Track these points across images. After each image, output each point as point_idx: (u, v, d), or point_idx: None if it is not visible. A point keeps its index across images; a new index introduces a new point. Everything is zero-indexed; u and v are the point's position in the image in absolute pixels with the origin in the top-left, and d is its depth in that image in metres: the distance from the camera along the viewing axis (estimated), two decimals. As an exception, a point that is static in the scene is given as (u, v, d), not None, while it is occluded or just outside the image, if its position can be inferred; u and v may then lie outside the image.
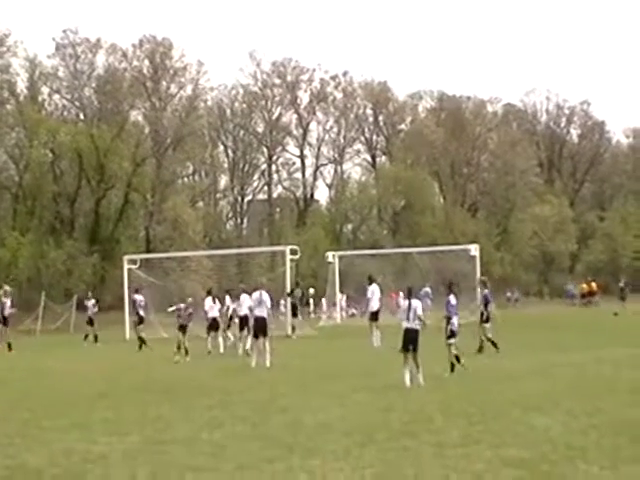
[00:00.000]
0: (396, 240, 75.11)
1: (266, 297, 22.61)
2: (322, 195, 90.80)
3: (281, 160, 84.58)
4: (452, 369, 18.69)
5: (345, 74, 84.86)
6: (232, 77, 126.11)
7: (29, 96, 66.02)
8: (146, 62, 69.42)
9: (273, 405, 14.83)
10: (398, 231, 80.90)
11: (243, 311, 27.78)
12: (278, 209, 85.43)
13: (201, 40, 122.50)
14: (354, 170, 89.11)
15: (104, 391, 17.99)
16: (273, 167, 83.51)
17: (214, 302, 30.80)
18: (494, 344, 24.15)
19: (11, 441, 12.03)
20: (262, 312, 22.46)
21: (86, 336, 36.90)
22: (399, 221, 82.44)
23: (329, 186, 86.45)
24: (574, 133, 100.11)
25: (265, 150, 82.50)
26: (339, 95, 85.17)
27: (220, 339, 29.89)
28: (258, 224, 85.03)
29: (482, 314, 24.83)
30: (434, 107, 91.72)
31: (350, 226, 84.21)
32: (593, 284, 65.91)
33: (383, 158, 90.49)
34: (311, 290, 56.66)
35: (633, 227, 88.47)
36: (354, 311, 57.12)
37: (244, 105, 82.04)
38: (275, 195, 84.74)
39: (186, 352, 25.90)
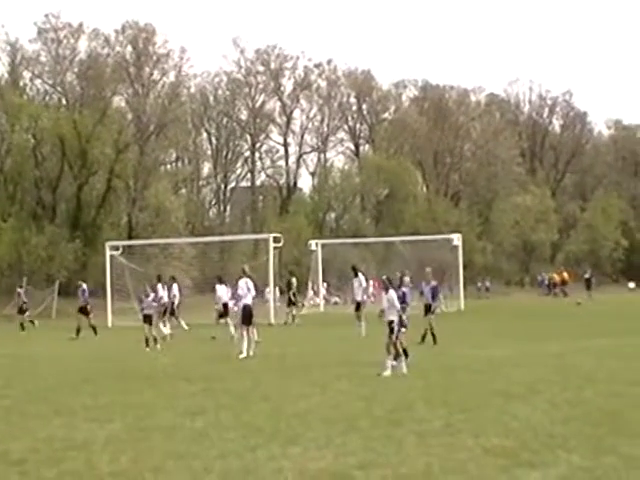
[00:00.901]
0: (379, 229, 75.26)
1: (251, 285, 22.59)
2: (305, 183, 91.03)
3: (264, 148, 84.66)
4: (406, 355, 18.01)
5: (329, 62, 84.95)
6: (215, 64, 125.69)
7: (10, 81, 65.61)
8: (129, 48, 69.13)
9: (255, 393, 14.85)
10: (381, 220, 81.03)
11: (224, 299, 28.08)
12: (261, 197, 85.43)
13: (184, 26, 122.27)
14: (337, 158, 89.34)
15: (86, 378, 17.95)
16: (256, 154, 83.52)
17: (164, 288, 31.07)
18: (434, 337, 23.69)
19: (-7, 428, 12.02)
20: (249, 300, 22.42)
21: (22, 325, 36.87)
22: (382, 210, 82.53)
23: (312, 174, 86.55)
24: (556, 124, 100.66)
25: (248, 137, 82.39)
26: (323, 83, 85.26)
27: (161, 325, 30.08)
28: (241, 212, 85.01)
29: (430, 306, 24.29)
30: (417, 96, 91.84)
31: (333, 214, 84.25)
32: (564, 274, 66.37)
33: (366, 147, 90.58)
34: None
35: (614, 218, 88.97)
36: (337, 299, 57.22)
37: (227, 92, 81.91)
38: (258, 183, 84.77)
39: (155, 341, 25.71)
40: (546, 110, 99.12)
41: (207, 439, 10.69)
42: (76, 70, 67.79)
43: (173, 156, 79.44)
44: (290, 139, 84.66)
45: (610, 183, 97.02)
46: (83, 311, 32.14)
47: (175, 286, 31.83)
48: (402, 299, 19.01)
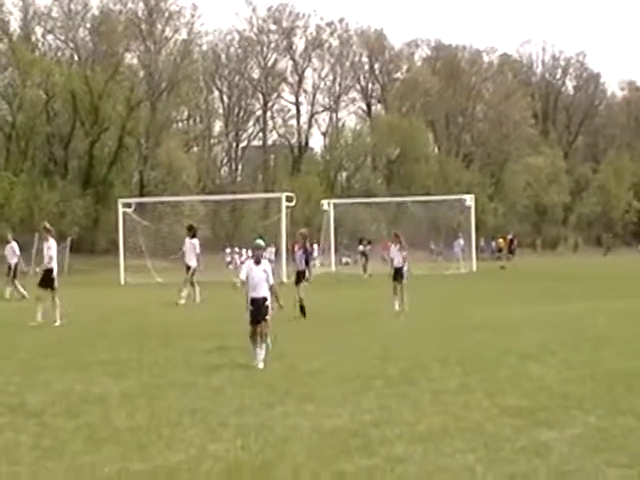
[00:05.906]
0: (390, 189, 75.15)
1: (54, 246, 21.25)
2: (317, 143, 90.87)
3: (276, 107, 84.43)
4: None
5: (341, 21, 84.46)
6: (227, 22, 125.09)
7: (22, 36, 65.35)
8: (141, 4, 68.83)
9: (270, 351, 14.84)
10: (392, 180, 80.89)
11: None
12: (273, 156, 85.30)
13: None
14: (349, 118, 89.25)
15: (100, 334, 18.01)
16: (268, 114, 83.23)
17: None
18: (303, 309, 21.17)
19: (10, 380, 12.06)
20: (51, 264, 20.83)
21: None
22: (393, 170, 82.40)
23: (324, 134, 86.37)
24: (569, 85, 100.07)
25: (260, 96, 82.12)
26: (335, 42, 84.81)
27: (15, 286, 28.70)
28: (252, 170, 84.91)
29: (304, 273, 21.87)
30: (430, 56, 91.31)
31: (344, 174, 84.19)
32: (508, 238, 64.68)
33: (378, 106, 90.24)
34: None
35: (626, 180, 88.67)
36: (348, 260, 57.21)
37: (239, 50, 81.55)
38: (270, 142, 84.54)
39: None
40: (559, 71, 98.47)
41: (223, 396, 10.72)
42: (88, 26, 67.57)
43: (185, 114, 79.30)
44: (302, 98, 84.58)
45: (622, 145, 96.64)
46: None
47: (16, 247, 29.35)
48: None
